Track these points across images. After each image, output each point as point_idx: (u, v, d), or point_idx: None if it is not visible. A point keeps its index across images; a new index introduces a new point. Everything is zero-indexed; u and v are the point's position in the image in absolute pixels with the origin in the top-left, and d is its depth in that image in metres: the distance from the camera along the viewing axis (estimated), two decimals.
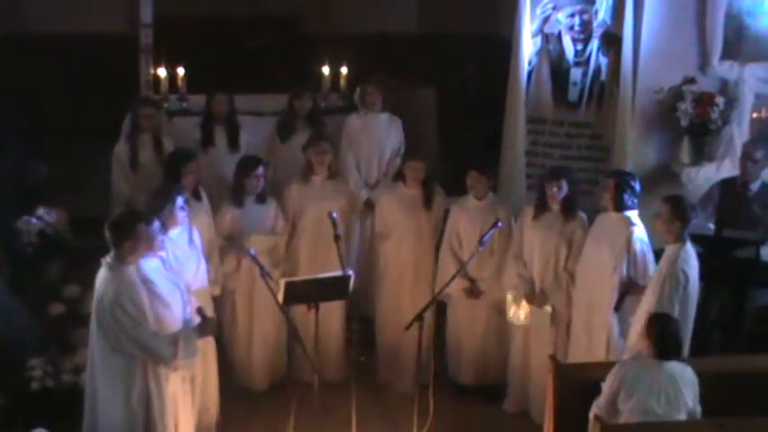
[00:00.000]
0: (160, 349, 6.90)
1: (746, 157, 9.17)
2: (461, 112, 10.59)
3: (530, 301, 8.60)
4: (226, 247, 8.65)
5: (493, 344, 9.01)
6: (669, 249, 7.75)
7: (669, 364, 6.93)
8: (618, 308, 8.07)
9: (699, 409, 7.01)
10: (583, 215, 8.57)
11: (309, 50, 10.77)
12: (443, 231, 9.00)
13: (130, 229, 6.95)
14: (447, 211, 9.06)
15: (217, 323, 7.89)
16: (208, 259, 8.25)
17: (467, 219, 8.84)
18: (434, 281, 8.94)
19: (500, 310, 8.89)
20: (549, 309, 8.55)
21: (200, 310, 7.28)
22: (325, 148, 9.06)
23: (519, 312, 8.62)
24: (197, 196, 8.53)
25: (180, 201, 7.79)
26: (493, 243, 8.67)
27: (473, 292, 8.89)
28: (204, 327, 7.21)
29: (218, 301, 8.73)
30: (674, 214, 7.74)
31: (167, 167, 8.63)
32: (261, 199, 8.80)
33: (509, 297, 8.69)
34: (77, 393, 7.28)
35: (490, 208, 8.82)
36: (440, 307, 9.02)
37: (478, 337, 9.02)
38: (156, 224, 7.16)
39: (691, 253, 7.73)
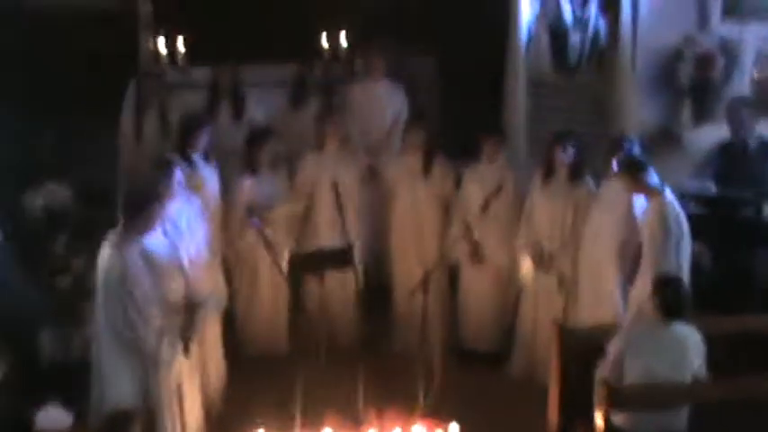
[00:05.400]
0: (146, 337, 6.99)
1: (732, 117, 9.18)
2: (462, 76, 10.55)
3: (537, 266, 8.63)
4: (245, 217, 8.73)
5: (497, 308, 9.09)
6: (650, 205, 7.76)
7: (675, 326, 6.94)
8: (631, 280, 8.02)
9: (704, 372, 7.03)
10: (590, 180, 8.60)
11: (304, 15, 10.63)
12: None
13: (146, 210, 7.05)
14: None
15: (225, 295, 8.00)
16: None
17: (477, 184, 8.90)
18: (441, 245, 9.02)
19: (504, 275, 8.94)
20: (555, 274, 8.59)
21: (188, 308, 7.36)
22: (339, 119, 9.17)
23: (527, 271, 8.65)
24: (207, 159, 8.65)
25: (178, 174, 7.84)
26: (498, 209, 8.72)
27: (476, 256, 8.93)
28: (187, 329, 7.28)
29: (233, 271, 8.88)
30: (633, 174, 7.75)
31: (180, 131, 8.74)
32: (274, 165, 8.91)
33: (522, 258, 8.72)
34: (87, 367, 7.31)
35: (498, 172, 8.86)
36: (455, 273, 9.11)
37: (484, 301, 9.10)
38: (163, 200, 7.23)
39: (671, 200, 7.74)
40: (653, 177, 7.78)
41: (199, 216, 8.12)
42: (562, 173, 8.58)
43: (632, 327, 7.09)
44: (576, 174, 8.55)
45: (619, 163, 7.93)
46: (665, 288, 7.02)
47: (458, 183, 9.12)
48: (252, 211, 8.69)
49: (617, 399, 6.84)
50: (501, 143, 8.96)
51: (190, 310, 7.29)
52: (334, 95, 9.88)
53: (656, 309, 6.97)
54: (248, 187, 8.85)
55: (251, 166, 8.87)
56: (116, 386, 7.00)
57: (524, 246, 8.71)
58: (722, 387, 6.98)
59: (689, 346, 6.96)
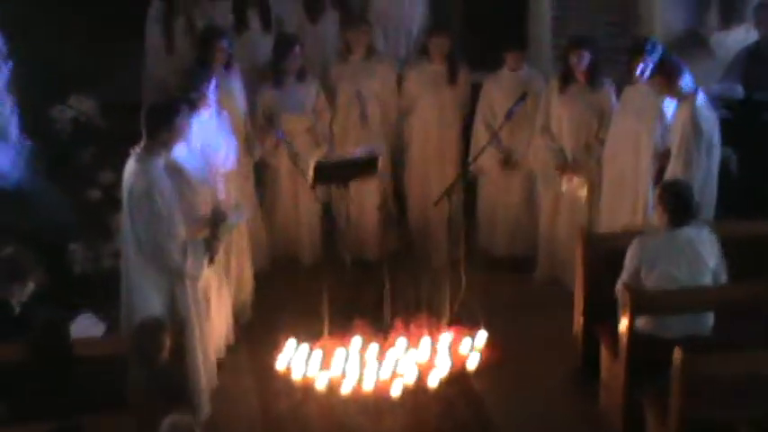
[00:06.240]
0: (171, 252, 6.99)
1: (760, 19, 9.06)
2: None
3: (562, 172, 8.63)
4: (264, 126, 8.73)
5: (525, 214, 9.12)
6: (682, 107, 7.70)
7: (684, 229, 6.93)
8: (658, 181, 7.96)
9: (722, 267, 7.05)
10: (608, 84, 8.55)
11: None
12: (472, 106, 9.06)
13: (168, 121, 7.02)
14: (474, 87, 9.07)
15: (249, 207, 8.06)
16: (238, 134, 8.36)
17: (500, 91, 8.86)
18: (461, 155, 9.03)
19: (533, 180, 8.95)
20: (582, 178, 8.59)
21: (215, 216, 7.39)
22: (363, 28, 9.08)
23: (575, 186, 8.64)
24: (230, 69, 8.61)
25: (213, 83, 7.85)
26: (526, 114, 8.71)
27: (508, 163, 8.94)
28: (211, 242, 7.29)
29: (261, 179, 8.92)
30: (669, 77, 7.68)
31: (199, 45, 8.67)
32: (301, 77, 8.84)
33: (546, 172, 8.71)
34: (117, 277, 7.39)
35: (524, 80, 8.83)
36: (468, 181, 9.12)
37: (512, 207, 9.13)
38: (188, 112, 7.22)
39: (704, 102, 7.69)
40: (688, 81, 7.71)
41: (226, 127, 8.14)
42: (580, 78, 8.52)
43: (642, 240, 7.03)
44: (593, 78, 8.50)
45: (654, 65, 7.86)
46: (671, 193, 7.01)
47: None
48: (271, 120, 8.69)
49: (641, 303, 6.87)
50: (523, 55, 8.89)
51: (214, 223, 7.34)
52: (349, 5, 9.75)
53: (664, 215, 6.96)
54: (269, 96, 8.82)
55: (275, 75, 8.83)
56: (143, 298, 7.06)
57: (541, 156, 8.66)
58: (746, 290, 6.98)
59: (702, 246, 6.96)
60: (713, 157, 7.72)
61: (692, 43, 9.81)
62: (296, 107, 8.82)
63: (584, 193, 8.61)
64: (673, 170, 7.68)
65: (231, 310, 8.09)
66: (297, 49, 8.77)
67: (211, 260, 7.32)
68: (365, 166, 8.01)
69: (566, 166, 8.64)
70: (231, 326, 8.12)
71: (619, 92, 8.47)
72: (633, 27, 9.85)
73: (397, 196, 9.32)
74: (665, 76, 7.70)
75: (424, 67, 9.09)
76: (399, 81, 9.33)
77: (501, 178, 9.08)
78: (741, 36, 9.59)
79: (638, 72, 8.06)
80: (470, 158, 8.80)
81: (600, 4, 10.00)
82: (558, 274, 8.80)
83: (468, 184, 9.12)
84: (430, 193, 8.90)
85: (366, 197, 8.95)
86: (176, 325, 6.77)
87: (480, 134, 8.93)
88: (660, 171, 7.97)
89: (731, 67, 9.15)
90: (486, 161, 8.89)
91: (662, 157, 7.99)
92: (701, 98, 7.68)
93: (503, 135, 8.81)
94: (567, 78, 8.56)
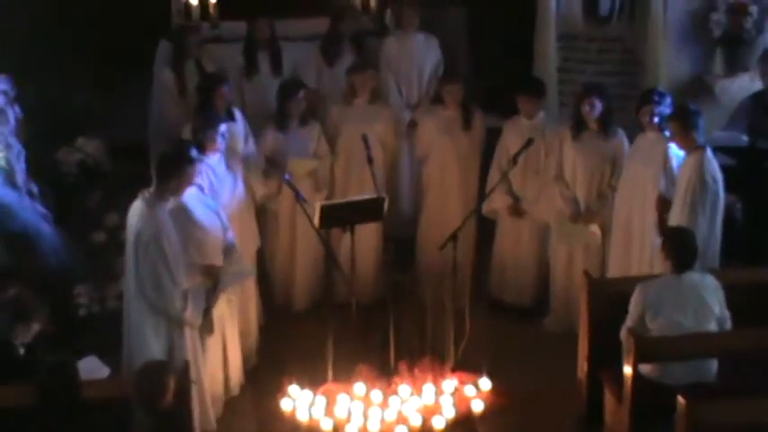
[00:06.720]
0: (173, 299, 7.03)
1: (764, 68, 9.13)
2: (492, 28, 10.52)
3: (576, 221, 8.64)
4: (267, 169, 8.76)
5: (536, 264, 9.11)
6: (690, 158, 7.73)
7: (688, 275, 6.95)
8: (661, 229, 7.96)
9: (727, 314, 7.05)
10: (621, 131, 8.58)
11: None
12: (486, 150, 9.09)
13: (179, 169, 7.07)
14: (488, 130, 9.13)
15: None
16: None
17: (518, 138, 8.76)
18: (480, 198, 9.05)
19: (544, 229, 8.96)
20: (596, 228, 8.60)
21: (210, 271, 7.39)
22: (370, 73, 9.13)
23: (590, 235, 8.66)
24: (231, 117, 8.60)
25: (222, 128, 7.89)
26: (539, 163, 8.76)
27: (516, 210, 8.97)
28: (212, 296, 7.31)
29: (260, 222, 8.90)
30: (685, 126, 7.70)
31: (199, 92, 8.68)
32: (303, 121, 8.87)
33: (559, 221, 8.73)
34: (121, 319, 7.40)
35: (541, 128, 8.85)
36: (487, 226, 9.13)
37: (523, 256, 9.11)
38: (198, 156, 7.25)
39: (712, 157, 7.72)
40: (701, 135, 7.74)
41: (233, 170, 8.18)
42: (593, 126, 8.55)
43: (646, 286, 7.02)
44: (605, 126, 8.52)
45: (671, 112, 7.91)
46: (674, 240, 7.03)
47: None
48: (273, 163, 8.73)
49: (645, 350, 6.86)
50: (537, 101, 8.87)
51: (213, 275, 7.36)
52: (365, 49, 9.82)
53: (669, 262, 6.97)
54: (271, 139, 8.85)
55: (278, 119, 8.86)
56: (143, 339, 7.09)
57: (556, 205, 8.68)
58: (751, 337, 6.97)
59: (706, 292, 6.97)
60: (718, 208, 7.74)
61: (696, 90, 9.87)
62: (299, 151, 8.85)
63: (598, 240, 8.63)
64: (677, 220, 7.70)
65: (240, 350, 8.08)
66: (301, 93, 8.81)
67: (207, 311, 7.32)
68: (371, 209, 8.03)
69: (579, 214, 8.65)
70: (241, 370, 8.12)
71: (629, 139, 8.51)
72: (638, 74, 9.91)
73: (401, 240, 9.32)
74: (682, 123, 7.73)
75: (438, 113, 9.12)
76: (412, 125, 9.43)
77: (513, 224, 9.08)
78: (746, 83, 9.65)
79: (647, 119, 8.12)
80: (483, 204, 8.82)
81: (605, 52, 10.06)
82: (574, 321, 8.71)
83: (481, 224, 9.13)
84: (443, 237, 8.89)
85: (367, 240, 8.93)
86: (180, 367, 6.76)
87: (494, 179, 8.89)
88: (660, 218, 8.00)
89: (735, 114, 9.20)
90: (499, 204, 8.93)
91: (660, 204, 8.02)
92: (709, 152, 7.71)
93: (516, 182, 8.84)
94: (579, 126, 8.58)
